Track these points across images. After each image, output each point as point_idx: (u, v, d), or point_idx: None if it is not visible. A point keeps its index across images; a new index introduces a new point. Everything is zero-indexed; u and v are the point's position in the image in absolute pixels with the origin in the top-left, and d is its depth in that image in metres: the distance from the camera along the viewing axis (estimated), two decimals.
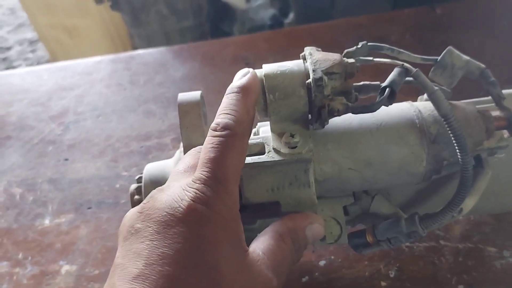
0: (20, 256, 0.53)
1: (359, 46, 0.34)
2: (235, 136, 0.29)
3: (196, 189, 0.28)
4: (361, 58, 0.34)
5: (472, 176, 0.34)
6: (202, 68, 0.76)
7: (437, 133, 0.35)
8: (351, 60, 0.33)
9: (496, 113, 0.36)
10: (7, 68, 2.09)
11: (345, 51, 0.34)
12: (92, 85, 0.77)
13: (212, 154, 0.29)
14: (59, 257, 0.53)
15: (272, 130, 0.34)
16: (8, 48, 2.26)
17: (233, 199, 0.29)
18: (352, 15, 0.81)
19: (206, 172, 0.28)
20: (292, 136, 0.33)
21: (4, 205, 0.60)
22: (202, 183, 0.28)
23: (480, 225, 0.48)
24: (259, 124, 0.39)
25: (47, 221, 0.57)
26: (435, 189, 0.40)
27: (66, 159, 0.65)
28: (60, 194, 0.60)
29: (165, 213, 0.27)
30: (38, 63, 2.11)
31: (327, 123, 0.33)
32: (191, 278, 0.26)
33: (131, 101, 0.72)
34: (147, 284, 0.25)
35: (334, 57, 0.32)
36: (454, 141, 0.32)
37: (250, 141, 0.35)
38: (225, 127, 0.29)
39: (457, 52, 0.37)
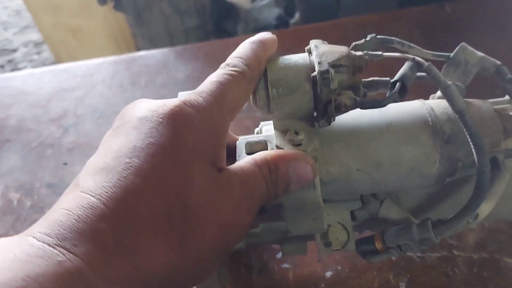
0: None
1: (368, 39, 0.32)
2: (242, 75, 0.29)
3: (188, 95, 0.26)
4: (370, 52, 0.32)
5: (489, 178, 0.31)
6: (204, 68, 0.74)
7: (451, 132, 0.32)
8: (359, 53, 0.30)
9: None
10: (12, 70, 2.09)
11: (353, 43, 0.32)
12: (93, 87, 0.75)
13: (215, 79, 0.28)
14: None
15: (275, 128, 0.32)
16: (14, 50, 2.26)
17: (223, 120, 0.27)
18: (357, 14, 0.79)
19: (203, 90, 0.27)
20: (297, 133, 0.31)
21: (1, 210, 0.58)
22: (197, 94, 0.27)
23: (495, 233, 0.45)
24: (262, 123, 0.37)
25: None
26: (448, 193, 0.38)
27: (65, 163, 0.63)
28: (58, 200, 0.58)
29: (148, 109, 0.25)
30: (43, 65, 2.11)
31: (334, 119, 0.31)
32: (159, 176, 0.23)
33: None
34: (110, 176, 0.23)
35: (342, 49, 0.30)
36: (470, 140, 0.30)
37: (251, 139, 0.33)
38: (234, 67, 0.29)
39: (471, 48, 0.35)
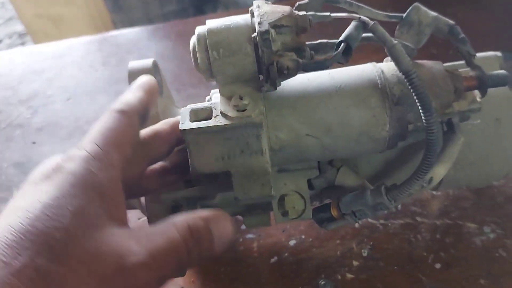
0: None
1: None
2: (121, 113, 0.30)
3: (69, 151, 0.28)
4: (318, 14, 0.31)
5: (439, 139, 0.31)
6: (176, 47, 0.73)
7: (401, 94, 0.32)
8: (302, 13, 0.30)
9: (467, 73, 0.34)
10: None
11: (297, 3, 0.31)
12: (64, 67, 0.74)
13: (95, 126, 0.29)
14: None
15: (221, 94, 0.31)
16: None
17: (109, 164, 0.28)
18: None
19: (85, 141, 0.28)
20: (241, 98, 0.30)
21: None
22: (78, 147, 0.28)
23: (459, 200, 0.45)
24: (212, 91, 0.36)
25: None
26: (405, 159, 0.37)
27: (34, 142, 0.62)
28: (26, 178, 0.57)
29: (37, 171, 0.27)
30: None
31: (279, 84, 0.30)
32: (36, 233, 0.23)
33: (103, 83, 0.69)
34: None
35: (284, 9, 0.29)
36: (416, 100, 0.29)
37: (197, 106, 0.32)
38: (113, 108, 0.30)
39: (424, 8, 0.34)
